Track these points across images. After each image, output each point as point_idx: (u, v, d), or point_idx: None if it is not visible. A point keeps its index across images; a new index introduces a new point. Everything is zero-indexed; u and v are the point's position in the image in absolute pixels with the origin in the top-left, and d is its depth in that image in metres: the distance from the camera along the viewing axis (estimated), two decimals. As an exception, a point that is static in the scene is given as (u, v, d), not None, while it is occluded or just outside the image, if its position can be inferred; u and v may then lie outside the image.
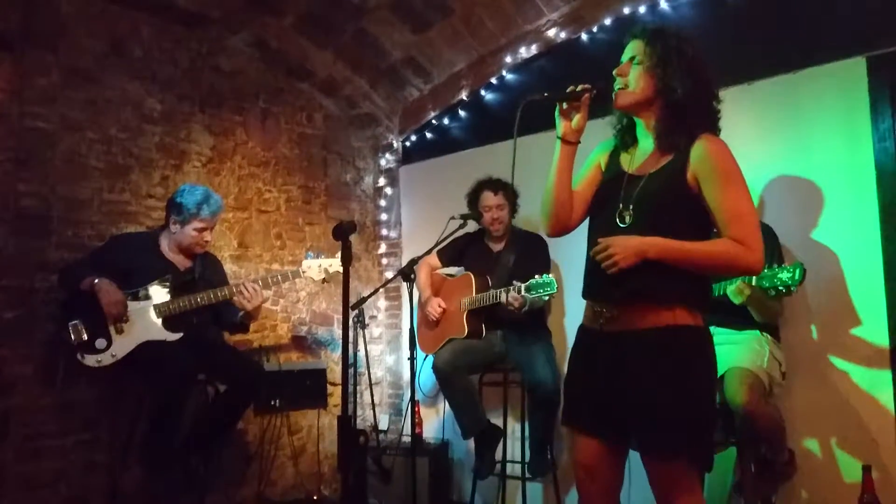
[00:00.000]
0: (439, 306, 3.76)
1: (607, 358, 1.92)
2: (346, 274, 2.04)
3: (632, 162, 2.03)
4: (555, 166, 2.04)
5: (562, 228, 2.11)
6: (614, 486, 2.01)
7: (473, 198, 3.79)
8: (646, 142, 2.02)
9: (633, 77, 1.95)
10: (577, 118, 1.99)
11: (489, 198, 3.72)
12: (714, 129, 1.95)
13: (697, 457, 1.86)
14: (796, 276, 2.43)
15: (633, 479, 2.23)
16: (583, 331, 2.07)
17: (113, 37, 3.74)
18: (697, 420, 1.85)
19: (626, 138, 2.08)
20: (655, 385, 1.82)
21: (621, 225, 1.94)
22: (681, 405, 1.81)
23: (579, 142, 2.03)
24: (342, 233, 2.10)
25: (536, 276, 3.25)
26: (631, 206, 1.93)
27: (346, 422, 2.05)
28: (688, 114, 1.89)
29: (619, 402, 1.88)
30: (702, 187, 1.86)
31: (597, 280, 1.96)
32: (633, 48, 1.98)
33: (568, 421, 2.07)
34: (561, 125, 2.02)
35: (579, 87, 1.96)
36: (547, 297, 3.31)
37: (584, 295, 2.06)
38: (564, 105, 1.99)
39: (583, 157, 2.13)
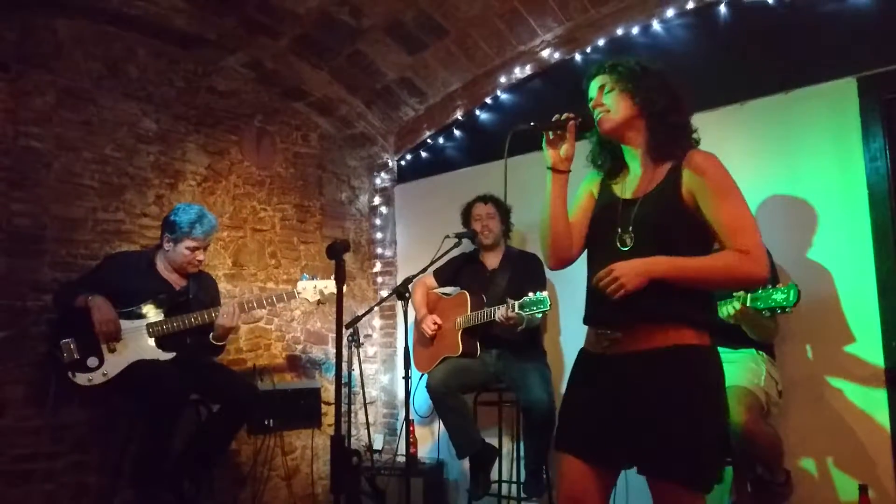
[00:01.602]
0: (434, 323, 3.76)
1: (611, 381, 1.90)
2: (339, 293, 2.04)
3: (624, 189, 2.03)
4: (548, 197, 2.04)
5: (563, 260, 2.10)
6: None
7: (466, 214, 3.85)
8: (635, 165, 2.02)
9: (610, 102, 1.96)
10: (564, 147, 2.00)
11: (479, 207, 3.79)
12: (692, 145, 1.96)
13: (703, 482, 1.81)
14: (791, 298, 2.43)
15: (630, 496, 2.22)
16: (584, 354, 2.04)
17: (109, 58, 3.76)
18: (705, 444, 1.80)
19: (612, 169, 2.08)
20: (662, 407, 1.79)
21: (623, 249, 1.92)
22: (688, 428, 1.77)
23: (570, 170, 2.03)
24: (336, 252, 2.09)
25: (530, 294, 3.25)
26: (631, 229, 1.92)
27: (340, 442, 2.02)
28: (672, 120, 1.91)
29: (623, 426, 1.85)
30: (699, 203, 1.86)
31: (599, 306, 1.94)
32: (599, 81, 2.00)
33: (561, 445, 2.03)
34: (549, 155, 2.02)
35: (563, 116, 1.98)
36: (540, 315, 3.31)
37: (586, 321, 2.04)
38: (551, 135, 2.00)
39: (574, 184, 2.13)
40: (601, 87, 1.99)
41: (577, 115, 1.99)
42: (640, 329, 1.86)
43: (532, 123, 2.01)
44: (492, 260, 3.82)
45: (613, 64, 1.99)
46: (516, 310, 3.28)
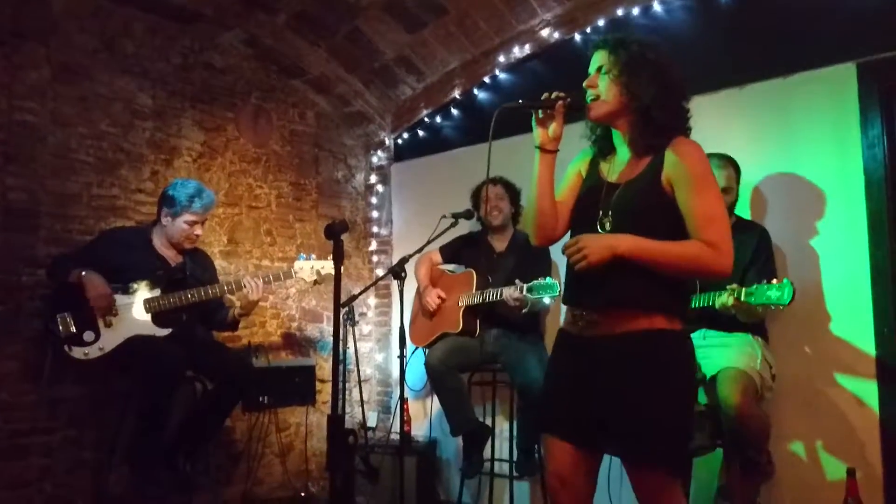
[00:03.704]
0: (438, 297, 3.77)
1: (584, 362, 1.93)
2: (337, 273, 2.04)
3: (611, 171, 2.05)
4: (535, 176, 2.05)
5: (547, 238, 2.12)
6: (587, 493, 2.00)
7: (476, 195, 3.86)
8: (623, 150, 2.03)
9: (603, 87, 1.96)
10: (553, 126, 2.01)
11: (489, 189, 3.77)
12: (684, 130, 1.97)
13: (671, 463, 1.86)
14: (785, 296, 2.44)
15: (624, 480, 2.24)
16: (562, 335, 2.08)
17: (105, 33, 3.72)
18: (673, 426, 1.85)
19: (603, 147, 2.10)
20: (632, 390, 1.83)
21: (601, 232, 1.95)
22: (657, 411, 1.81)
23: (558, 150, 2.04)
24: (334, 232, 2.09)
25: (540, 279, 3.25)
26: (610, 213, 1.94)
27: (337, 421, 2.04)
28: (656, 118, 1.90)
29: (597, 408, 1.89)
30: (675, 190, 1.87)
31: (577, 286, 1.98)
32: (599, 58, 1.99)
33: (544, 427, 2.06)
34: (538, 134, 2.03)
35: (553, 95, 1.98)
36: (549, 300, 3.31)
37: (564, 300, 2.08)
38: (540, 114, 2.00)
39: (564, 164, 2.14)
40: (599, 68, 1.99)
41: (566, 95, 1.99)
42: (614, 313, 1.89)
43: (521, 101, 2.01)
44: (499, 242, 3.82)
45: (618, 43, 1.97)
46: (524, 292, 3.28)
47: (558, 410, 2.00)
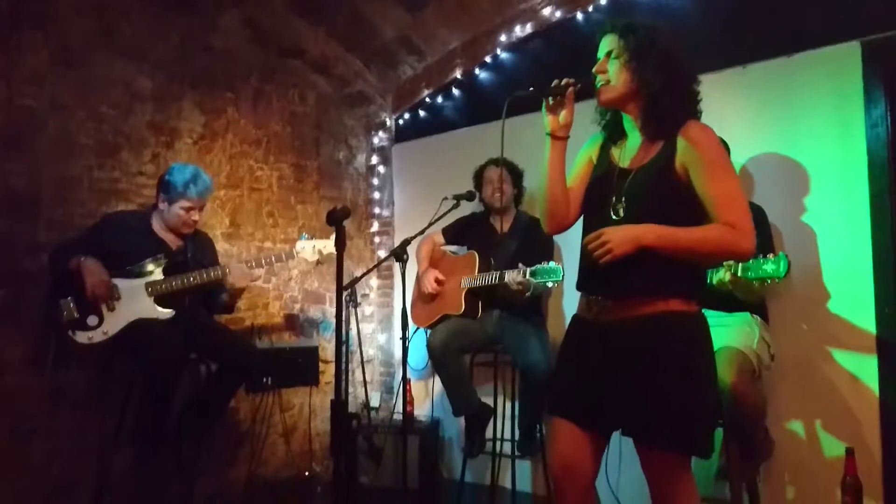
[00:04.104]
0: (435, 280, 3.78)
1: (600, 347, 1.93)
2: (339, 260, 2.04)
3: (622, 156, 2.03)
4: (546, 163, 2.04)
5: (559, 226, 2.12)
6: (590, 478, 2.01)
7: (478, 177, 3.85)
8: (634, 135, 2.02)
9: (612, 72, 1.95)
10: (563, 113, 2.00)
11: (492, 171, 3.76)
12: (695, 113, 1.96)
13: (693, 447, 1.85)
14: (781, 269, 2.44)
15: (623, 468, 2.26)
16: (576, 321, 2.07)
17: (103, 16, 3.68)
18: (694, 408, 1.83)
19: (613, 132, 2.08)
20: (649, 371, 1.82)
21: (615, 218, 1.94)
22: (674, 394, 1.80)
23: (568, 136, 2.03)
24: (335, 219, 2.09)
25: (543, 263, 3.26)
26: (623, 199, 1.93)
27: (341, 406, 2.05)
28: (665, 103, 1.89)
29: (612, 391, 1.88)
30: (690, 175, 1.86)
31: (591, 274, 1.96)
32: (608, 43, 1.98)
33: (554, 410, 2.07)
34: (548, 121, 2.02)
35: (563, 82, 1.97)
36: (551, 285, 3.32)
37: (578, 287, 2.06)
38: (550, 100, 1.99)
39: (575, 147, 2.13)
40: (608, 53, 1.98)
41: (576, 81, 1.98)
42: (629, 298, 1.89)
43: (531, 88, 2.00)
44: (502, 224, 3.82)
45: (627, 28, 1.96)
46: (527, 276, 3.29)
47: (569, 393, 2.01)
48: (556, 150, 2.04)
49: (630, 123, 2.02)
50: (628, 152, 2.02)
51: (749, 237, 1.81)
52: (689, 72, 1.97)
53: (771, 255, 2.49)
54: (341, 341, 1.99)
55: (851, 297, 2.93)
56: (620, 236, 1.82)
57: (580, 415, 1.97)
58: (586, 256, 1.94)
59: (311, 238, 3.47)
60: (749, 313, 2.87)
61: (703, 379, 1.89)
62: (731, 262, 2.59)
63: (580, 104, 2.02)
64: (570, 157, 2.09)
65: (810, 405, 3.00)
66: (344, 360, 2.03)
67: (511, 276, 3.36)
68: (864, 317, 2.89)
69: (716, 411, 2.10)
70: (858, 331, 2.90)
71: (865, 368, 2.87)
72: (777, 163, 3.16)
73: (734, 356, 2.66)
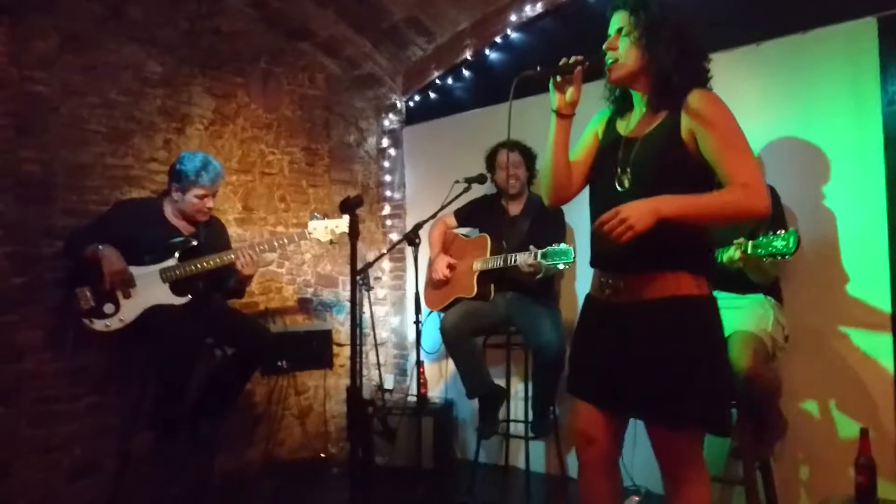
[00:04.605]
0: (447, 266, 3.78)
1: (613, 329, 1.94)
2: (353, 249, 2.05)
3: (627, 126, 2.04)
4: (551, 139, 2.04)
5: (560, 199, 2.13)
6: (614, 453, 2.05)
7: (490, 159, 3.81)
8: (640, 106, 2.02)
9: (622, 49, 1.94)
10: (570, 91, 1.98)
11: (504, 156, 3.73)
12: (703, 87, 1.93)
13: (711, 424, 1.88)
14: (790, 244, 2.42)
15: (636, 447, 2.28)
16: (589, 300, 2.09)
17: (111, 0, 3.68)
18: (709, 387, 1.85)
19: (620, 107, 2.08)
20: (662, 356, 1.84)
21: (620, 189, 1.94)
22: (689, 376, 1.82)
23: (574, 114, 2.03)
24: (349, 207, 2.10)
25: (554, 244, 3.25)
26: (629, 170, 1.93)
27: (356, 393, 2.07)
28: (675, 81, 1.88)
29: (625, 374, 1.90)
30: (698, 141, 1.85)
31: (603, 248, 1.96)
32: (619, 19, 1.96)
33: (573, 390, 2.10)
34: (555, 99, 2.01)
35: (572, 60, 1.96)
36: (562, 267, 3.32)
37: (592, 263, 2.07)
38: (558, 78, 1.98)
39: (583, 123, 2.13)
40: (619, 30, 1.96)
41: (585, 60, 1.96)
42: (641, 275, 1.89)
43: (538, 68, 1.98)
44: (514, 206, 3.80)
45: (638, 4, 1.93)
46: (538, 258, 3.29)
47: (586, 375, 2.03)
48: (561, 127, 2.03)
49: (639, 99, 2.02)
50: (633, 122, 2.03)
51: (764, 196, 1.78)
52: (701, 49, 1.95)
53: (781, 232, 2.47)
54: (356, 328, 2.00)
55: (866, 275, 2.91)
56: (639, 211, 1.73)
57: (594, 395, 2.00)
58: (599, 232, 1.93)
59: (324, 218, 3.48)
60: (763, 294, 2.86)
61: (716, 360, 1.91)
62: (741, 240, 2.58)
63: (589, 84, 2.01)
64: (576, 134, 2.09)
65: (825, 385, 3.00)
66: (358, 344, 2.04)
67: (522, 259, 3.36)
68: (880, 295, 2.87)
69: (730, 390, 2.10)
70: (873, 310, 2.88)
71: (881, 348, 2.86)
72: (791, 141, 3.13)
73: (749, 340, 2.65)
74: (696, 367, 1.84)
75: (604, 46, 1.98)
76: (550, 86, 2.01)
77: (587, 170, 2.11)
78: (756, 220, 2.02)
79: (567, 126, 2.03)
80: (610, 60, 1.96)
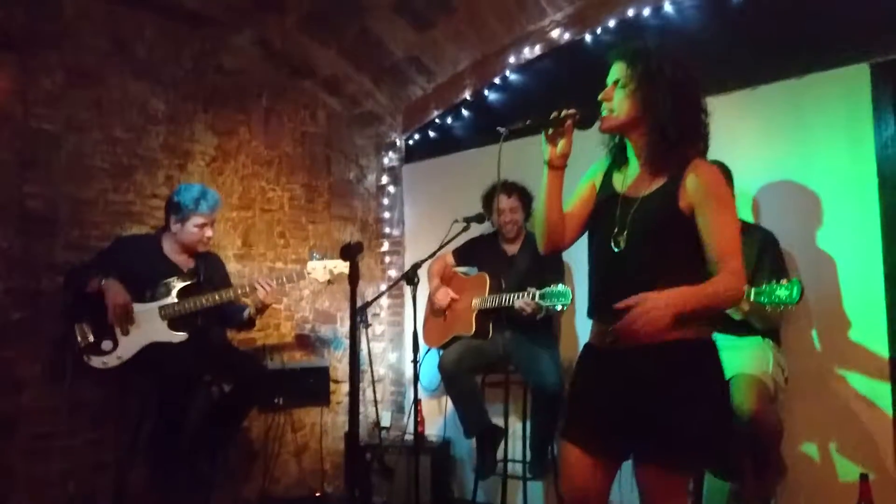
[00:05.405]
0: (448, 295, 3.79)
1: (614, 374, 1.93)
2: (353, 294, 2.06)
3: (624, 182, 2.04)
4: (543, 191, 2.06)
5: (554, 248, 2.14)
6: (601, 500, 2.02)
7: (488, 200, 3.81)
8: (636, 162, 2.03)
9: (617, 101, 1.96)
10: (561, 144, 2.00)
11: (503, 200, 3.73)
12: (703, 146, 1.97)
13: (708, 465, 1.96)
14: (794, 294, 2.45)
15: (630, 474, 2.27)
16: (588, 349, 2.08)
17: (117, 37, 3.74)
18: (706, 431, 1.85)
19: (618, 158, 2.10)
20: (663, 400, 1.84)
21: (615, 250, 1.95)
22: (688, 418, 1.82)
23: (566, 165, 2.04)
24: (350, 254, 2.11)
25: (552, 286, 3.26)
26: (625, 232, 1.94)
27: (354, 438, 2.07)
28: (672, 134, 1.89)
29: (624, 415, 1.89)
30: (696, 215, 1.87)
31: (605, 301, 1.94)
32: (617, 70, 1.98)
33: (566, 434, 2.08)
34: (547, 150, 2.02)
35: (563, 113, 1.97)
36: (560, 308, 3.32)
37: (591, 315, 2.07)
38: (550, 130, 2.00)
39: (580, 164, 2.15)
40: (616, 81, 1.98)
41: (576, 112, 1.97)
42: None
43: (528, 121, 2.00)
44: (513, 246, 3.82)
45: (636, 55, 1.96)
46: (537, 299, 3.30)
47: (582, 420, 2.02)
48: (553, 178, 2.04)
49: (632, 150, 2.03)
50: (630, 178, 2.04)
51: (744, 279, 1.86)
52: (698, 104, 1.96)
53: (784, 281, 2.50)
54: (356, 374, 2.00)
55: (864, 319, 2.93)
56: (651, 318, 1.76)
57: (591, 443, 1.98)
58: (598, 284, 1.95)
59: (322, 258, 3.49)
60: (761, 337, 2.87)
61: (717, 403, 1.93)
62: (745, 287, 2.60)
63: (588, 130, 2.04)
64: (571, 182, 2.11)
65: (825, 428, 2.99)
66: (357, 389, 2.04)
67: (520, 302, 3.37)
68: (878, 340, 2.88)
69: (729, 431, 2.11)
70: (872, 354, 2.90)
71: (879, 391, 2.86)
72: (788, 184, 3.17)
73: (753, 382, 2.66)
74: (696, 410, 1.84)
75: (599, 97, 2.00)
76: (542, 139, 2.03)
77: (582, 222, 2.13)
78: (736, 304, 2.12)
79: (559, 177, 2.05)
80: (604, 111, 1.99)
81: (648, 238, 1.91)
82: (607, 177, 2.12)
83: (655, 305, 1.77)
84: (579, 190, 2.17)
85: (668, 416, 1.83)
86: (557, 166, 2.03)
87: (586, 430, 2.00)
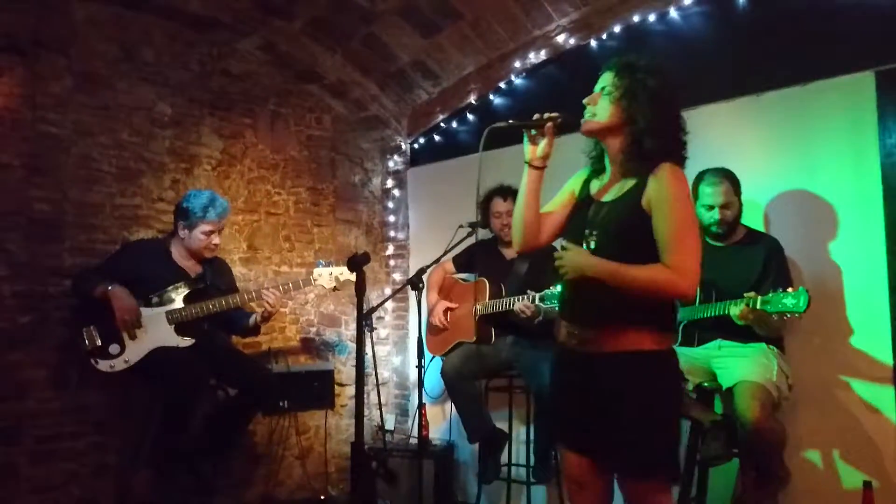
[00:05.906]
0: (445, 311, 3.80)
1: (580, 378, 2.02)
2: (359, 305, 2.08)
3: (600, 188, 2.13)
4: (523, 189, 2.16)
5: (529, 246, 2.23)
6: (605, 497, 2.10)
7: (484, 205, 3.82)
8: (612, 168, 2.11)
9: (600, 107, 2.04)
10: (542, 144, 2.11)
11: (499, 204, 3.75)
12: (678, 158, 2.03)
13: (668, 475, 1.99)
14: (801, 303, 2.46)
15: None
16: (559, 349, 2.16)
17: (125, 42, 3.77)
18: (663, 441, 1.96)
19: (598, 165, 2.18)
20: (620, 410, 1.92)
21: (586, 248, 2.04)
22: (648, 428, 1.91)
23: (546, 166, 2.14)
24: (356, 265, 2.14)
25: (551, 287, 3.28)
26: (595, 233, 2.03)
27: (360, 448, 2.08)
28: (647, 143, 1.97)
29: (592, 423, 1.99)
30: (652, 212, 1.94)
31: (571, 303, 2.08)
32: (605, 79, 2.06)
33: (556, 438, 2.19)
34: (528, 150, 2.13)
35: (545, 116, 2.08)
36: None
37: (559, 315, 2.17)
38: (533, 132, 2.09)
39: (562, 171, 2.23)
40: (602, 88, 2.06)
41: (558, 116, 2.08)
42: (605, 330, 1.98)
43: (510, 121, 2.13)
44: (511, 250, 3.82)
45: (623, 67, 2.04)
46: (536, 302, 3.31)
47: (563, 422, 2.13)
48: (533, 178, 2.15)
49: (608, 156, 2.11)
50: (604, 185, 2.12)
51: (689, 279, 1.89)
52: (677, 117, 2.04)
53: (791, 290, 2.50)
54: (362, 382, 2.01)
55: (868, 326, 2.92)
56: (571, 262, 2.00)
57: (573, 442, 2.09)
58: (565, 286, 2.10)
59: (329, 265, 3.51)
60: (765, 344, 2.87)
61: (669, 415, 2.02)
62: (751, 295, 2.62)
63: (570, 136, 2.10)
64: (549, 185, 2.18)
65: (828, 436, 2.99)
66: (363, 397, 2.05)
67: (520, 305, 3.38)
68: (882, 347, 2.88)
69: (676, 437, 2.16)
70: (876, 361, 2.89)
71: (883, 399, 2.86)
72: (792, 192, 3.16)
73: (756, 390, 2.66)
74: (655, 421, 1.93)
75: (584, 100, 2.08)
76: (524, 139, 2.12)
77: (559, 224, 2.21)
78: (679, 299, 2.23)
79: (539, 177, 2.15)
80: (587, 115, 2.06)
81: (615, 238, 1.99)
82: (586, 184, 2.21)
83: (570, 256, 2.00)
84: (560, 194, 2.26)
85: (622, 426, 1.92)
86: (537, 166, 2.14)
87: (564, 429, 2.12)
